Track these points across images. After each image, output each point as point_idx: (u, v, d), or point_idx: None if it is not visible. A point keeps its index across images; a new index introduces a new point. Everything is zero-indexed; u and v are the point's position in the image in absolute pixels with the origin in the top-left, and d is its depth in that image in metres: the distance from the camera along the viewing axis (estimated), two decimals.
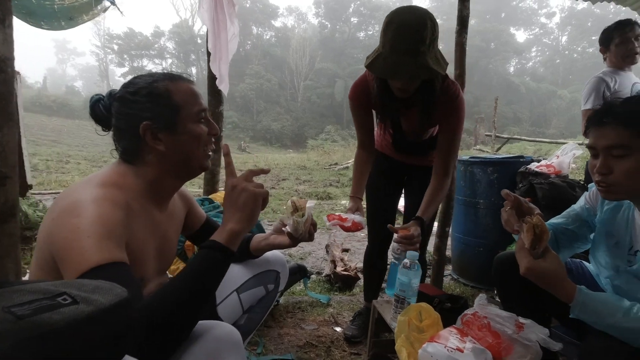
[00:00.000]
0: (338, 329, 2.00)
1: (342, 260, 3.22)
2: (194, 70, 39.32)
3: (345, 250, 3.51)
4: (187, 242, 1.82)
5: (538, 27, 46.74)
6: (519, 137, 15.09)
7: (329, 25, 40.93)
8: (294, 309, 2.23)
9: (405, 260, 1.12)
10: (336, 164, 11.01)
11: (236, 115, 32.15)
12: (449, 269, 3.09)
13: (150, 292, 0.88)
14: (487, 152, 11.56)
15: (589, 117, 1.10)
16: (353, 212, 1.51)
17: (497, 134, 13.64)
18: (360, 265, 3.40)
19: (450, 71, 1.75)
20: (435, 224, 2.47)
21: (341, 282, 2.91)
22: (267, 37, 41.07)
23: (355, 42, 39.67)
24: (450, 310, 1.16)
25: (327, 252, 3.37)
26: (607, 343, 0.92)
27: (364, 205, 1.68)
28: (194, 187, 6.46)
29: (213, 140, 0.97)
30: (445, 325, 1.09)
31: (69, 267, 0.70)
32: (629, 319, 0.92)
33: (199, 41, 38.55)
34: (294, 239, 1.13)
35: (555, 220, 1.33)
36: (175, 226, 1.05)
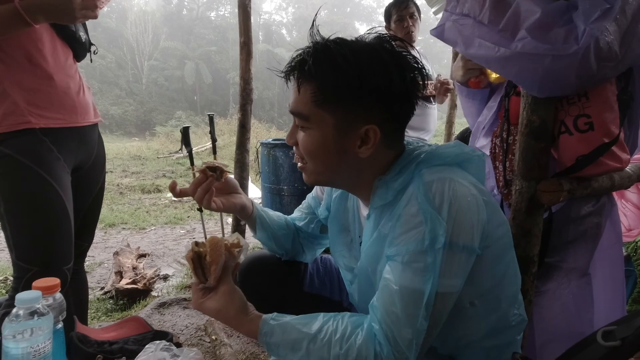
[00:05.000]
0: None
1: (134, 269, 2.63)
2: None
3: (143, 256, 2.91)
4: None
5: (377, 23, 52.36)
6: None
7: (175, 0, 37.41)
8: None
9: (16, 311, 0.66)
10: (177, 151, 9.97)
11: None
12: None
13: None
14: None
15: None
16: None
17: None
18: (164, 271, 2.90)
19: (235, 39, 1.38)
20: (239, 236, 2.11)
21: (127, 298, 2.34)
22: None
23: (206, 22, 37.28)
24: None
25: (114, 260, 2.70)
26: None
27: None
28: None
29: None
30: None
31: None
32: (315, 347, 0.68)
33: None
34: None
35: (293, 215, 1.08)
36: None
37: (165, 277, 2.81)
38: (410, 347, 0.65)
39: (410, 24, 2.16)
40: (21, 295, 0.66)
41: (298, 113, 0.73)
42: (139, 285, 2.39)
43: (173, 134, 17.57)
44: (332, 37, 0.72)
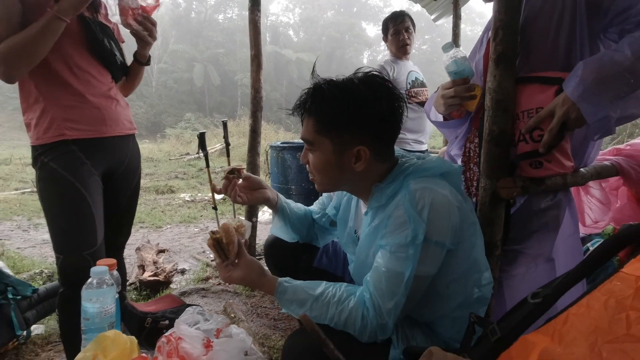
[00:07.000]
0: None
1: (154, 263, 2.85)
2: None
3: (162, 251, 3.13)
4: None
5: None
6: None
7: (184, 4, 37.93)
8: (59, 337, 1.80)
9: (91, 281, 0.87)
10: (187, 153, 10.26)
11: None
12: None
13: None
14: None
15: None
16: None
17: None
18: (181, 265, 3.12)
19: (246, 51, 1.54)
20: (241, 218, 2.31)
21: (149, 290, 2.56)
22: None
23: (214, 25, 37.74)
24: (168, 328, 0.96)
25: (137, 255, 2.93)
26: (299, 341, 0.86)
27: None
28: None
29: None
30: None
31: None
32: (317, 305, 0.88)
33: None
34: None
35: (312, 207, 1.30)
36: None
37: (183, 271, 3.03)
38: (390, 315, 0.86)
39: (406, 37, 2.34)
40: (94, 269, 0.88)
41: (305, 139, 0.94)
42: (160, 278, 2.61)
43: (183, 135, 17.87)
44: (328, 78, 0.92)
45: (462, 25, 3.60)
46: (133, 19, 1.30)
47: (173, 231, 4.19)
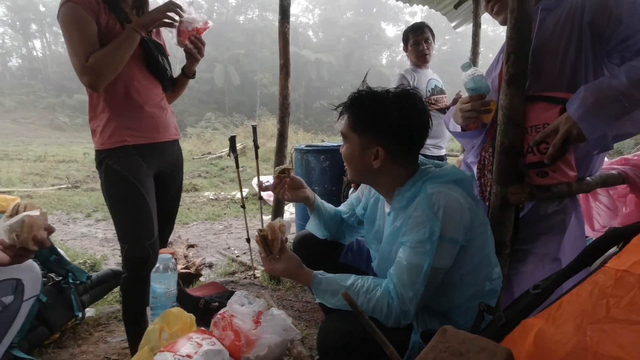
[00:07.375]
0: None
1: (185, 257, 3.06)
2: (37, 43, 33.32)
3: (191, 246, 3.34)
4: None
5: (404, 24, 51.83)
6: None
7: (205, 5, 38.67)
8: (108, 320, 2.01)
9: (158, 266, 1.05)
10: (209, 153, 10.55)
11: None
12: None
13: None
14: None
15: None
16: None
17: None
18: (208, 260, 3.33)
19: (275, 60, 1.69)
20: (282, 219, 2.47)
21: (182, 281, 2.76)
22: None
23: (235, 26, 38.33)
24: (218, 309, 1.13)
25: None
26: (332, 324, 1.00)
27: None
28: None
29: None
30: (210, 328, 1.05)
31: None
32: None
33: (42, 8, 32.54)
34: None
35: (341, 208, 1.43)
36: None
37: (210, 265, 3.24)
38: (411, 302, 1.00)
39: (425, 47, 2.47)
40: (162, 256, 1.05)
41: (342, 133, 1.11)
42: (191, 271, 2.80)
43: (204, 135, 18.25)
44: (371, 88, 1.09)
45: (484, 26, 3.68)
46: (188, 39, 1.49)
47: (199, 228, 4.40)
